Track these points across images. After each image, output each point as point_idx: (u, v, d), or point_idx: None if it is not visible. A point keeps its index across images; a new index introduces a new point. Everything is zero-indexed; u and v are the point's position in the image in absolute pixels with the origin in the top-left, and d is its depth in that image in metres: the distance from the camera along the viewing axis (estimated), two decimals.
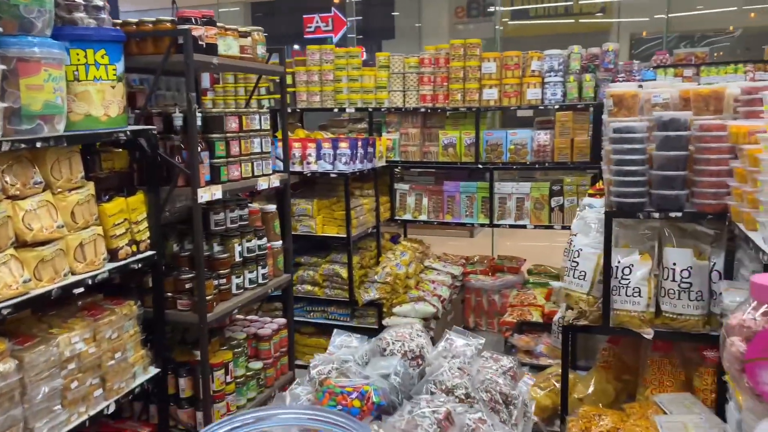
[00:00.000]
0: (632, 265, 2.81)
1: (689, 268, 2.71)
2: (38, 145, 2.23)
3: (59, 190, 2.45)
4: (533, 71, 5.26)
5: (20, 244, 2.27)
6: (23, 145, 2.18)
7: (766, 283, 1.51)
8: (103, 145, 2.92)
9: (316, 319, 5.29)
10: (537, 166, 5.35)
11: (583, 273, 2.98)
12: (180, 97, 3.58)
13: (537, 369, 3.86)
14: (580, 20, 11.42)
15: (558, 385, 3.27)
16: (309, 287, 5.21)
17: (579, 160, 5.22)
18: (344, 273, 5.06)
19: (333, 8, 10.38)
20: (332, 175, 4.94)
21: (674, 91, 2.87)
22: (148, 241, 2.83)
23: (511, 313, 4.79)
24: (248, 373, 3.37)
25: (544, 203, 5.39)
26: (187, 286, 3.04)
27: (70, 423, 2.38)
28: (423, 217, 5.78)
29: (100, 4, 2.52)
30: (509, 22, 11.69)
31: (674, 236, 2.81)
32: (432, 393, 1.73)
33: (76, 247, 2.46)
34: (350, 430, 1.34)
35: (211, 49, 2.92)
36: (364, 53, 6.99)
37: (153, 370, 2.87)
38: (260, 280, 3.40)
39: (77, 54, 2.46)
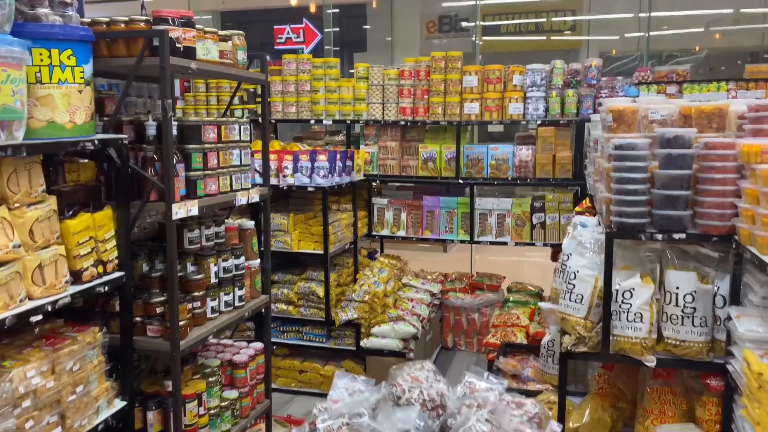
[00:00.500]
0: (633, 289, 2.70)
1: (693, 293, 2.61)
2: None
3: (16, 204, 2.19)
4: (515, 86, 5.18)
5: None
6: None
7: None
8: (67, 155, 2.67)
9: (291, 339, 5.05)
10: (518, 181, 5.26)
11: (579, 296, 2.86)
12: (152, 105, 3.33)
13: (525, 395, 3.69)
14: (552, 38, 11.54)
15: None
16: (283, 306, 4.97)
17: (561, 176, 5.14)
18: (321, 291, 4.84)
19: (305, 19, 10.19)
20: (309, 189, 4.74)
21: (673, 107, 2.79)
22: (116, 261, 2.58)
23: (494, 334, 4.65)
24: (222, 404, 3.12)
25: (525, 220, 5.29)
26: (158, 310, 2.78)
27: None
28: (401, 233, 5.61)
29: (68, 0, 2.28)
30: (482, 38, 11.74)
31: (676, 258, 2.71)
32: None
33: (35, 269, 2.20)
34: None
35: (189, 52, 2.71)
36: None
37: (119, 404, 2.61)
38: (237, 303, 3.17)
39: (40, 54, 2.21)
